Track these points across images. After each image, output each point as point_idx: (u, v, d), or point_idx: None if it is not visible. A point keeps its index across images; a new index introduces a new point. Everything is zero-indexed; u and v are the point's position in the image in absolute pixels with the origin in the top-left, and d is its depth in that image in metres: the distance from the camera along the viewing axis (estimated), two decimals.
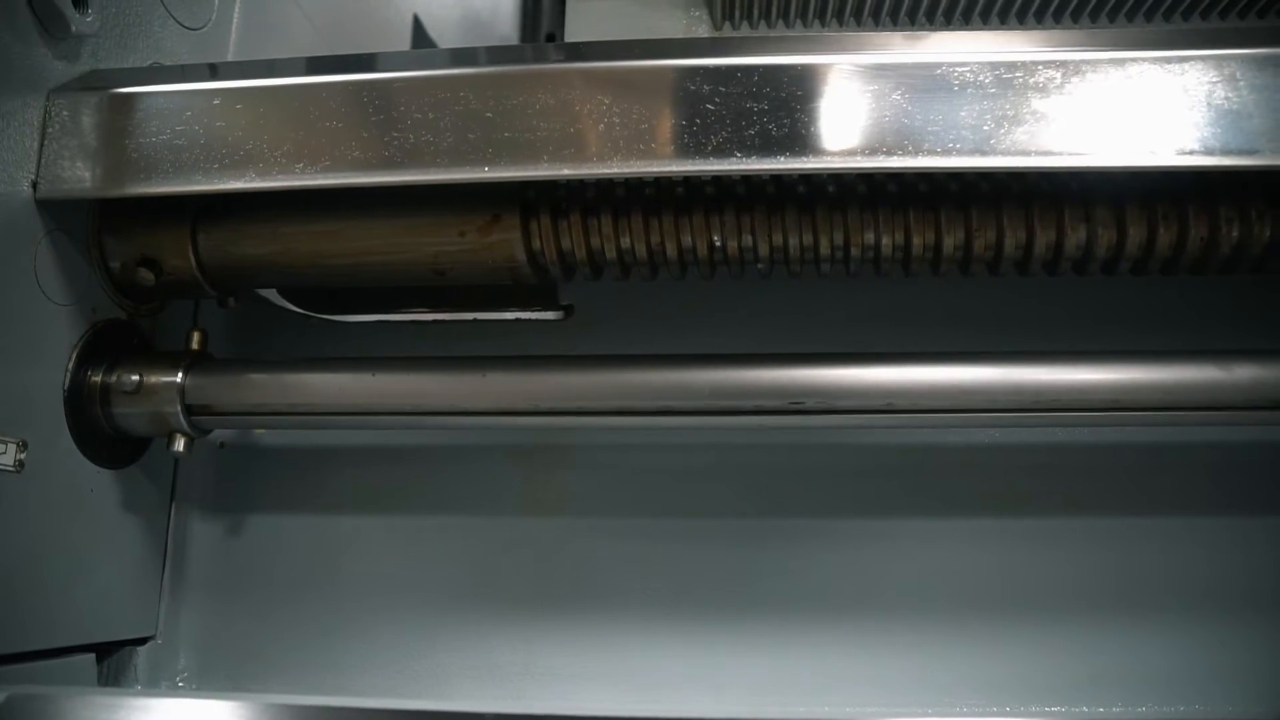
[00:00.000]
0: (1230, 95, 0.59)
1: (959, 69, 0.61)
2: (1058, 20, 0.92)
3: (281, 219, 0.75)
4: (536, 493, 0.85)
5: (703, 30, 0.88)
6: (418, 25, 1.47)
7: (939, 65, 0.61)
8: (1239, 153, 0.59)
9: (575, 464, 0.86)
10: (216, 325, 0.90)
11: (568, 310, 0.87)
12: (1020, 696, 0.81)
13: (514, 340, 0.89)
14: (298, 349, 0.91)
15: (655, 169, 0.62)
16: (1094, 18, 0.89)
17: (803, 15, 0.86)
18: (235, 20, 0.93)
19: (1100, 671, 0.80)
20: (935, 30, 0.88)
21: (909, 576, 0.83)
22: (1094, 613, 0.82)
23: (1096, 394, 0.70)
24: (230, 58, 0.93)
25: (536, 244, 0.71)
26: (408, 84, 0.65)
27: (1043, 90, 0.61)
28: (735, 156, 0.61)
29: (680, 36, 0.88)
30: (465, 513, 0.85)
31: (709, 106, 0.62)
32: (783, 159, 0.61)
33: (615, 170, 0.62)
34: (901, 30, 0.88)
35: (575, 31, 0.91)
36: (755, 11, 0.85)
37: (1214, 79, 0.59)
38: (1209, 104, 0.59)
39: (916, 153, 0.61)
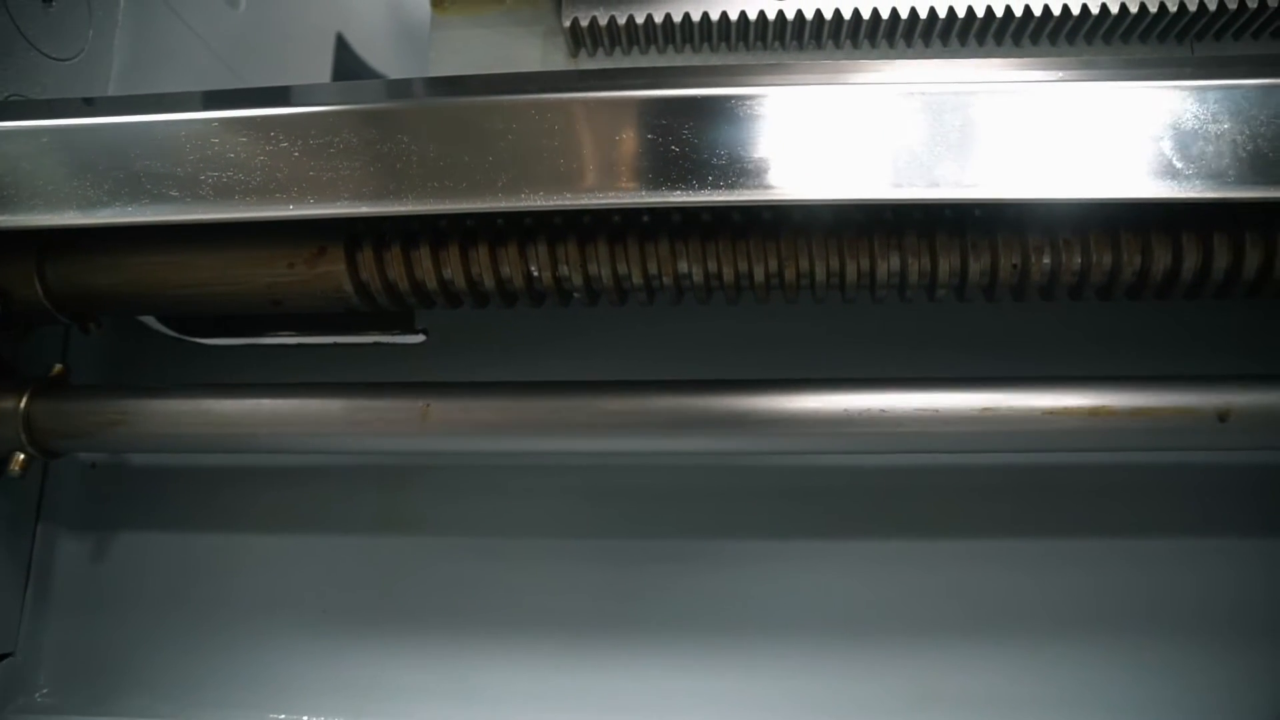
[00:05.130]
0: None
1: (747, 101, 0.63)
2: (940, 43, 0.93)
3: (127, 250, 0.77)
4: (390, 512, 0.87)
5: (559, 59, 0.90)
6: (341, 44, 1.49)
7: (730, 98, 0.63)
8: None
9: (429, 484, 0.88)
10: (97, 348, 0.94)
11: (426, 333, 0.89)
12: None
13: (386, 365, 0.92)
14: (187, 372, 0.94)
15: (447, 207, 0.63)
16: (962, 40, 0.90)
17: (656, 42, 0.88)
18: (115, 49, 0.95)
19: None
20: (797, 56, 0.89)
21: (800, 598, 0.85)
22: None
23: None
24: (112, 88, 0.95)
25: (365, 275, 0.73)
26: (224, 123, 0.67)
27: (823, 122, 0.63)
28: (523, 194, 0.63)
29: (537, 65, 0.90)
30: (322, 531, 0.87)
31: (501, 145, 0.63)
32: (568, 196, 0.62)
33: (410, 209, 0.64)
34: (771, 56, 0.89)
35: (438, 59, 0.93)
36: (608, 40, 0.87)
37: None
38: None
39: (703, 186, 0.62)
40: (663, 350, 0.89)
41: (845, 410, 0.74)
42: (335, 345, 0.89)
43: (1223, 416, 0.70)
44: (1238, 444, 0.72)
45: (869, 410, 0.74)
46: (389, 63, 1.63)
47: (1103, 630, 0.82)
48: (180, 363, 0.95)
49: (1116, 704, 0.81)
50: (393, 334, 0.89)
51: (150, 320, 0.91)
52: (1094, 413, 0.70)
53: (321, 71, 1.44)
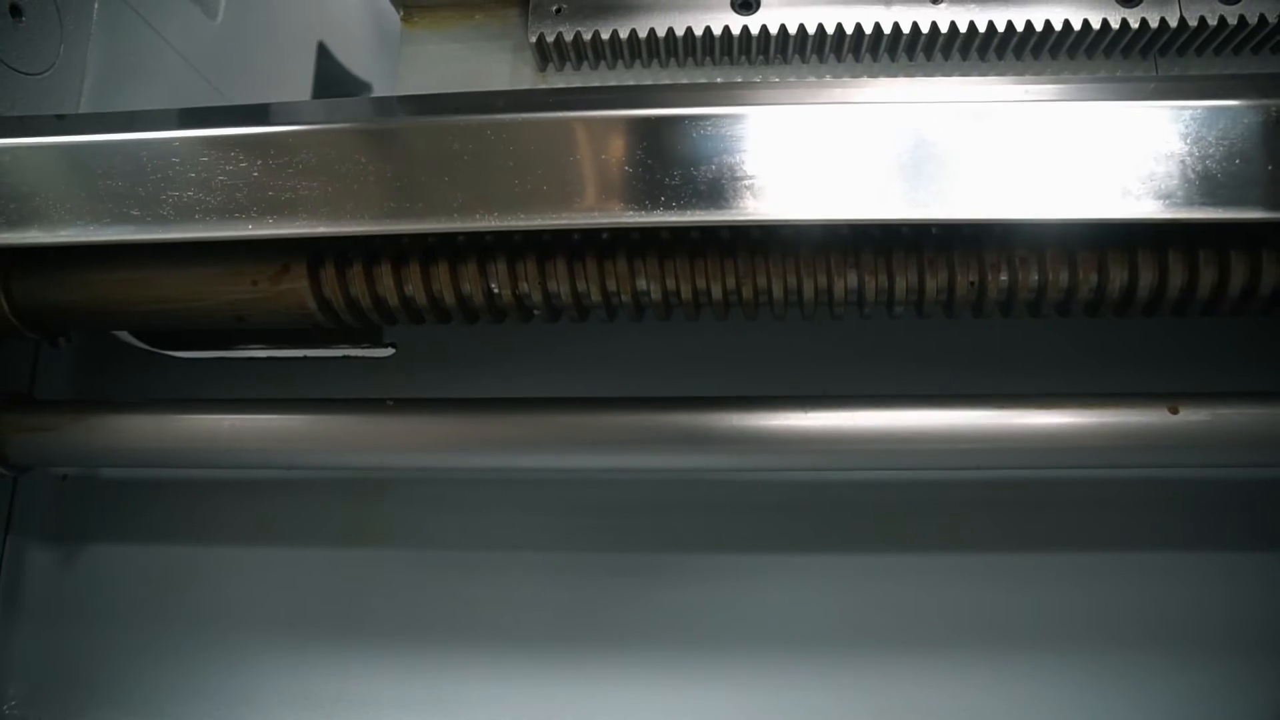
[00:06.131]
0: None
1: (699, 121, 0.63)
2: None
3: (92, 267, 0.77)
4: (359, 525, 0.87)
5: (527, 73, 0.90)
6: (323, 52, 1.49)
7: (682, 119, 0.63)
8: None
9: (397, 498, 0.88)
10: (68, 360, 0.94)
11: (394, 347, 0.90)
12: None
13: (356, 378, 0.92)
14: (160, 383, 0.95)
15: (404, 228, 0.64)
16: (928, 55, 0.90)
17: (623, 57, 0.88)
18: (88, 62, 0.96)
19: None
20: (765, 71, 0.90)
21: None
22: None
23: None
24: (84, 102, 0.96)
25: (328, 292, 0.74)
26: (185, 143, 0.68)
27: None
28: (479, 214, 0.63)
29: (506, 81, 0.91)
30: (290, 544, 0.88)
31: (458, 165, 0.64)
32: (521, 216, 0.63)
33: (367, 229, 0.64)
34: (738, 72, 0.89)
35: (408, 76, 0.94)
36: (575, 55, 0.87)
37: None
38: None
39: (656, 206, 0.63)
40: (634, 364, 0.90)
41: (815, 427, 0.75)
42: (305, 358, 0.89)
43: (1174, 410, 0.71)
44: (1190, 451, 0.72)
45: (833, 426, 0.75)
46: (371, 70, 1.63)
47: (1093, 644, 0.82)
48: (153, 375, 0.95)
49: (1107, 717, 0.81)
50: (362, 347, 0.89)
51: (121, 333, 0.91)
52: (1046, 405, 0.71)
53: (303, 80, 1.44)
